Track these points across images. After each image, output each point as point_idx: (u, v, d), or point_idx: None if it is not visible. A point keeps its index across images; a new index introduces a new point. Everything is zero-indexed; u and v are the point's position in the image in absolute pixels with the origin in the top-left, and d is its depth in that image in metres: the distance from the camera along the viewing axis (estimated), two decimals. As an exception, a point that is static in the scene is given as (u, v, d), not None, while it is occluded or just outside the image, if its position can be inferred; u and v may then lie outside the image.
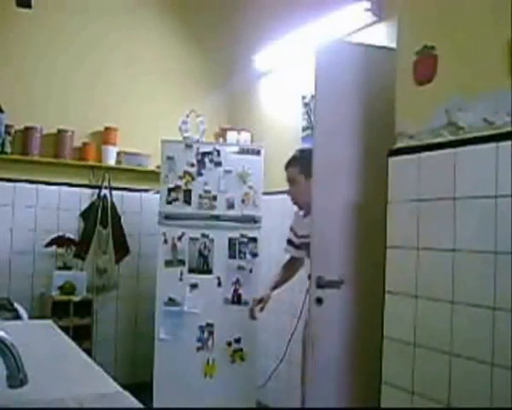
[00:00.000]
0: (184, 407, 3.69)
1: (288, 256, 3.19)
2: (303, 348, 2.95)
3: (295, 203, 2.97)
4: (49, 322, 2.38)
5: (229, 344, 3.81)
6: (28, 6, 3.80)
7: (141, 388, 2.61)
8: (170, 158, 3.89)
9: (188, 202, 3.86)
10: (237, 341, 3.80)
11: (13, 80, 4.21)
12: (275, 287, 3.17)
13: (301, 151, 3.00)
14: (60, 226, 4.36)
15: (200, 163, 3.89)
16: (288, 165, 2.95)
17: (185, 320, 3.79)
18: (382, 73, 2.66)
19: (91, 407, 1.28)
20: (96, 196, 4.49)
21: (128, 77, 4.65)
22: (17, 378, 1.07)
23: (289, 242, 3.15)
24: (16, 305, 3.38)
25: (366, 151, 2.76)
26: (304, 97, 3.88)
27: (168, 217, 3.87)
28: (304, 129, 3.90)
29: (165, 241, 3.86)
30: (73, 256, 4.31)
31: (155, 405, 3.75)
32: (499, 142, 1.89)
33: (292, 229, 3.12)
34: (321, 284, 2.66)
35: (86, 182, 4.49)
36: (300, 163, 2.86)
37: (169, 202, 3.87)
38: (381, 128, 2.57)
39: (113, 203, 4.51)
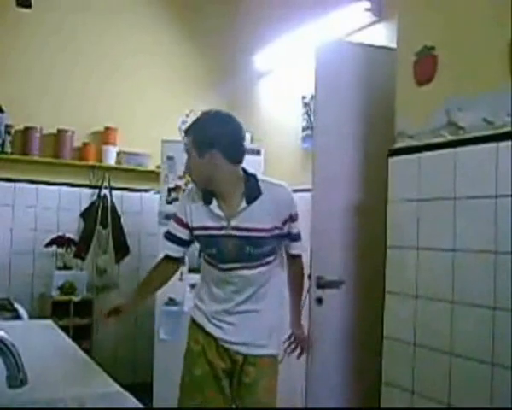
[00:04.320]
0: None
1: (161, 255, 2.23)
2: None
3: (193, 181, 2.08)
4: (49, 322, 2.38)
5: (229, 344, 3.81)
6: (28, 6, 3.80)
7: (141, 388, 2.61)
8: (170, 158, 3.88)
9: (188, 201, 3.85)
10: (237, 341, 3.80)
11: (13, 80, 4.21)
12: (140, 296, 2.23)
13: (200, 120, 2.06)
14: (60, 226, 4.36)
15: (200, 163, 3.88)
16: (186, 132, 2.08)
17: (185, 320, 3.77)
18: (382, 73, 2.66)
19: (91, 407, 1.28)
20: (96, 196, 4.49)
21: (128, 77, 4.65)
22: (17, 378, 1.07)
23: (171, 236, 2.15)
24: (16, 305, 3.38)
25: (366, 151, 2.77)
26: (304, 97, 3.88)
27: (168, 217, 3.85)
28: (304, 129, 3.90)
29: (165, 241, 3.85)
30: (73, 256, 4.31)
31: (155, 405, 3.75)
32: (499, 142, 1.89)
33: (179, 220, 2.12)
34: (321, 284, 2.66)
35: (86, 182, 4.49)
36: (194, 135, 2.00)
37: (169, 202, 3.87)
38: (381, 128, 2.57)
39: (113, 203, 4.51)
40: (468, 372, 1.95)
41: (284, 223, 2.02)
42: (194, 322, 2.16)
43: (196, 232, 2.06)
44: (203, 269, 2.18)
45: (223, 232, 1.98)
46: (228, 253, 1.98)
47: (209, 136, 1.96)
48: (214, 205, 1.99)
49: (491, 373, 1.85)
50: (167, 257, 2.18)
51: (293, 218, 2.04)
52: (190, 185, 2.20)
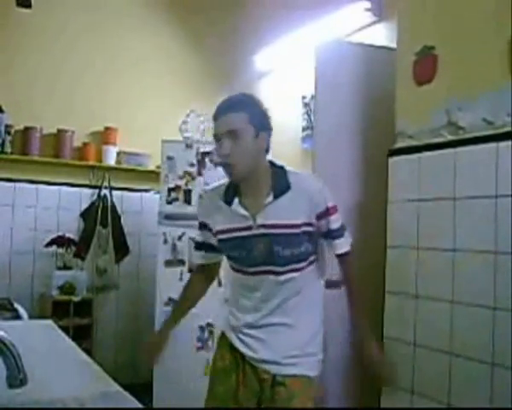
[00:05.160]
0: (184, 407, 3.68)
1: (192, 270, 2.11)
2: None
3: (230, 174, 1.73)
4: (49, 322, 2.38)
5: (229, 344, 3.81)
6: (28, 6, 3.81)
7: (141, 388, 2.61)
8: (170, 158, 3.88)
9: (188, 201, 3.85)
10: (237, 341, 3.80)
11: (13, 80, 4.21)
12: (175, 321, 2.05)
13: (249, 97, 1.80)
14: (60, 226, 4.36)
15: (201, 163, 3.88)
16: (228, 110, 1.71)
17: (185, 320, 3.79)
18: (382, 73, 2.66)
19: (91, 407, 1.28)
20: (96, 196, 4.49)
21: (128, 77, 4.65)
22: (17, 378, 1.07)
23: (201, 245, 1.98)
24: (16, 305, 3.38)
25: (366, 151, 2.76)
26: (304, 97, 3.88)
27: (168, 217, 3.87)
28: (304, 129, 3.90)
29: (165, 241, 3.86)
30: (73, 256, 4.31)
31: (155, 405, 3.74)
32: (499, 142, 1.89)
33: (204, 226, 1.91)
34: (321, 284, 2.65)
35: (86, 182, 4.49)
36: (251, 111, 1.71)
37: (169, 202, 3.87)
38: (381, 128, 2.57)
39: (113, 203, 4.51)
40: (468, 372, 1.95)
41: (319, 218, 1.76)
42: (223, 335, 1.97)
43: (220, 236, 1.84)
44: (229, 277, 1.97)
45: (249, 233, 1.75)
46: (255, 254, 1.76)
47: (267, 114, 1.76)
48: (236, 204, 1.77)
49: (491, 373, 1.85)
50: (201, 267, 2.01)
51: (330, 211, 1.78)
52: (206, 187, 2.01)
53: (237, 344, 1.87)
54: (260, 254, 1.75)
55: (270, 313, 1.80)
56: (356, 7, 3.32)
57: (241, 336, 1.86)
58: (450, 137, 2.10)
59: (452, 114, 2.09)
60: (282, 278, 1.77)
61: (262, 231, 1.74)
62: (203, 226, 1.92)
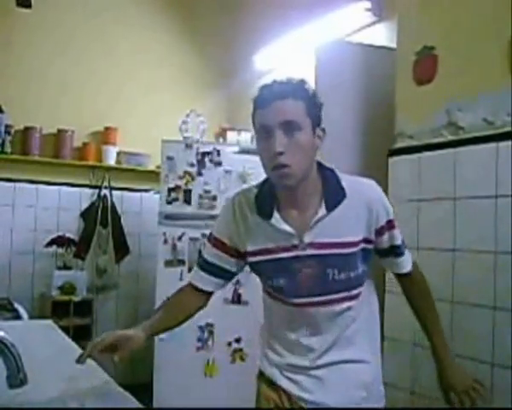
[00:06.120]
0: (184, 407, 3.68)
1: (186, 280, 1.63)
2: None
3: (284, 177, 1.34)
4: (49, 322, 2.38)
5: (230, 344, 3.80)
6: (28, 6, 3.81)
7: (141, 388, 2.60)
8: (170, 158, 3.88)
9: (188, 201, 3.85)
10: (237, 341, 3.80)
11: (13, 80, 4.21)
12: (151, 329, 1.53)
13: (305, 83, 1.44)
14: (60, 226, 4.36)
15: (200, 163, 3.88)
16: (285, 95, 1.35)
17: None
18: (382, 73, 2.66)
19: (91, 407, 1.28)
20: (96, 196, 4.49)
21: (128, 77, 4.65)
22: (17, 378, 1.07)
23: (207, 265, 1.54)
24: (16, 305, 3.38)
25: (366, 151, 2.76)
26: (304, 97, 3.87)
27: (168, 217, 3.87)
28: (304, 129, 3.89)
29: (165, 241, 3.85)
30: (73, 256, 4.31)
31: (155, 405, 3.74)
32: (499, 142, 1.89)
33: (219, 244, 1.51)
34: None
35: (86, 182, 4.49)
36: (309, 101, 1.37)
37: (169, 202, 3.87)
38: (381, 128, 2.57)
39: (113, 203, 4.51)
40: (467, 372, 1.95)
41: (380, 233, 1.43)
42: (262, 375, 1.61)
43: (254, 259, 1.46)
44: (266, 306, 1.59)
45: (293, 254, 1.40)
46: (302, 282, 1.40)
47: (321, 105, 1.41)
48: (277, 218, 1.40)
49: (491, 373, 1.85)
50: (193, 287, 1.57)
51: (392, 225, 1.45)
52: (234, 193, 1.53)
53: (284, 384, 1.51)
54: (308, 281, 1.40)
55: (326, 352, 1.46)
56: (356, 7, 3.32)
57: (288, 374, 1.50)
58: (450, 137, 2.10)
59: (452, 114, 2.09)
60: (337, 308, 1.43)
61: (310, 251, 1.39)
62: (220, 245, 1.51)
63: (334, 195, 1.39)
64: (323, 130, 1.41)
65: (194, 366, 3.80)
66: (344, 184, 1.42)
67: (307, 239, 1.39)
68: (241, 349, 3.78)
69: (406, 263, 1.54)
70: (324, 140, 1.41)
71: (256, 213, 1.44)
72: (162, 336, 3.78)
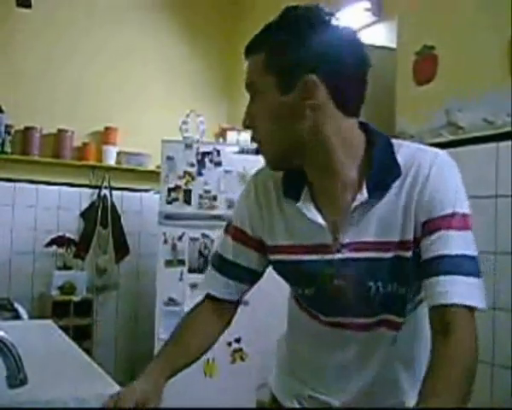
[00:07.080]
0: (184, 407, 3.68)
1: (198, 297, 1.28)
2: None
3: (264, 159, 1.08)
4: (49, 322, 2.38)
5: (229, 344, 3.80)
6: (28, 6, 3.81)
7: (141, 388, 2.60)
8: (170, 158, 3.88)
9: (188, 202, 3.85)
10: (237, 341, 3.79)
11: (13, 80, 4.21)
12: (164, 373, 1.28)
13: (289, 16, 1.00)
14: (60, 226, 4.36)
15: (200, 163, 3.88)
16: (248, 49, 1.01)
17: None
18: (382, 73, 2.66)
19: (91, 407, 1.28)
20: (96, 196, 4.49)
21: (128, 77, 4.65)
22: (17, 378, 1.07)
23: (222, 262, 1.19)
24: (16, 305, 3.38)
25: (366, 151, 2.76)
26: (304, 97, 3.87)
27: (168, 217, 3.87)
28: (304, 129, 3.89)
29: (165, 241, 3.86)
30: (73, 256, 4.31)
31: (155, 405, 3.74)
32: (499, 142, 1.89)
33: (238, 234, 1.16)
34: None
35: (86, 182, 4.49)
36: (274, 49, 0.97)
37: (169, 202, 3.87)
38: (381, 128, 2.57)
39: (113, 203, 4.51)
40: None
41: (427, 232, 0.96)
42: (274, 401, 1.27)
43: (274, 257, 1.12)
44: (292, 315, 1.26)
45: (324, 257, 1.02)
46: (334, 295, 1.03)
47: (311, 49, 0.97)
48: (307, 202, 1.02)
49: (491, 373, 1.85)
50: (210, 299, 1.22)
51: (450, 222, 0.98)
52: (257, 170, 1.20)
53: None
54: (342, 295, 1.03)
55: (368, 386, 1.07)
56: (356, 7, 3.31)
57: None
58: (450, 137, 2.10)
59: (452, 114, 2.09)
60: (380, 335, 1.05)
61: (347, 254, 1.00)
62: (241, 235, 1.15)
63: (383, 173, 0.98)
64: (306, 84, 0.95)
65: (194, 365, 3.80)
66: (399, 158, 1.00)
67: (344, 237, 1.00)
68: (240, 349, 3.78)
69: (454, 295, 0.89)
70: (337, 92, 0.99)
71: (283, 196, 1.06)
72: (162, 336, 3.79)
